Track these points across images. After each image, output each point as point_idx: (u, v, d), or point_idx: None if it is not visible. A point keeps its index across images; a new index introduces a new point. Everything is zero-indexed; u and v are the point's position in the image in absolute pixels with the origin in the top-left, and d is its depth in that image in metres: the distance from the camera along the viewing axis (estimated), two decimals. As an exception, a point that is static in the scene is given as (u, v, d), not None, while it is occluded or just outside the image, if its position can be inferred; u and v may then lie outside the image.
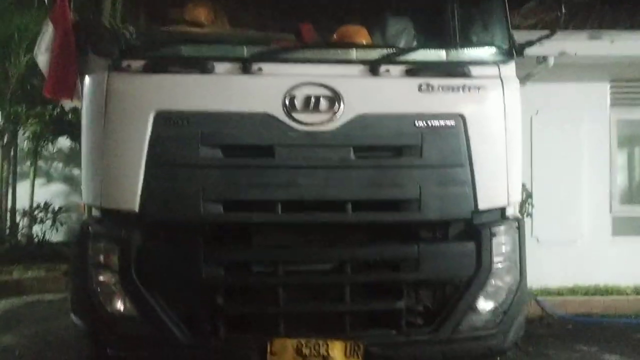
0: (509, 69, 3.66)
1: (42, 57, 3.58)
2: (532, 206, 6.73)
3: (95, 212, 3.43)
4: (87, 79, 3.42)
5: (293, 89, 3.29)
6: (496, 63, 3.61)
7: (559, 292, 7.07)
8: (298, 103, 3.29)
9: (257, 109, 3.30)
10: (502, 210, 3.60)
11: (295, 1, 3.93)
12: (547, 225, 7.52)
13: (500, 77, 3.56)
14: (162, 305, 3.24)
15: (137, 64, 3.32)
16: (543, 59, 6.83)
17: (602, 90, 7.63)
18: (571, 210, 7.56)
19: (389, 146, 3.40)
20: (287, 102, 3.28)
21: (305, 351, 3.24)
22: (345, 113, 3.33)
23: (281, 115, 3.28)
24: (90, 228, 3.35)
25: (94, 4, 3.55)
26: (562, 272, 7.37)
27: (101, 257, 3.29)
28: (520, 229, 3.61)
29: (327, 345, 3.25)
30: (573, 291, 7.10)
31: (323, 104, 3.31)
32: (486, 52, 3.69)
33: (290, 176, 3.29)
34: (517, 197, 3.68)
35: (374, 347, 3.28)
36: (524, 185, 6.85)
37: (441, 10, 3.89)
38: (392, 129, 3.38)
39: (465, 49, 3.71)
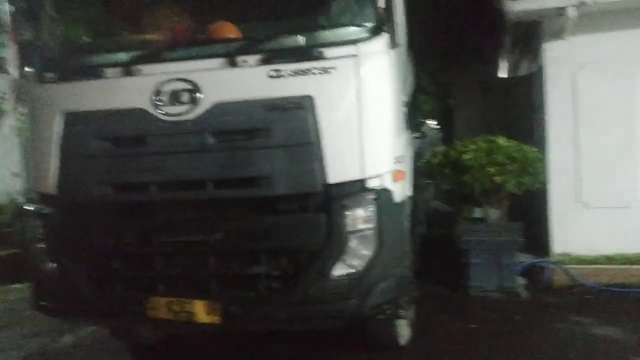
0: (373, 46, 3.77)
1: None
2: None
3: (33, 194, 4.36)
4: (24, 88, 4.33)
5: (160, 85, 3.83)
6: (355, 42, 3.76)
7: (595, 261, 6.59)
8: (164, 97, 3.83)
9: (134, 105, 3.90)
10: (363, 182, 3.77)
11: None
12: (597, 190, 7.01)
13: (355, 56, 3.71)
14: (74, 268, 4.05)
15: (52, 74, 4.13)
16: (562, 12, 6.36)
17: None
18: (624, 173, 6.92)
19: (242, 130, 3.77)
20: (155, 97, 3.84)
21: (175, 308, 3.83)
22: (203, 103, 3.78)
23: (151, 108, 3.84)
24: (27, 206, 4.29)
25: (32, 25, 4.40)
26: (611, 239, 6.84)
27: (35, 230, 4.20)
28: (379, 200, 3.74)
29: (192, 303, 3.82)
30: (610, 259, 6.56)
31: (184, 96, 3.80)
32: (345, 32, 3.82)
33: (159, 161, 3.85)
34: (379, 169, 3.79)
35: (232, 306, 3.75)
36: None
37: None
38: (244, 114, 3.75)
39: (322, 32, 3.84)
